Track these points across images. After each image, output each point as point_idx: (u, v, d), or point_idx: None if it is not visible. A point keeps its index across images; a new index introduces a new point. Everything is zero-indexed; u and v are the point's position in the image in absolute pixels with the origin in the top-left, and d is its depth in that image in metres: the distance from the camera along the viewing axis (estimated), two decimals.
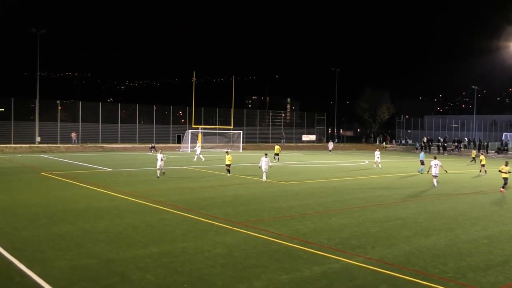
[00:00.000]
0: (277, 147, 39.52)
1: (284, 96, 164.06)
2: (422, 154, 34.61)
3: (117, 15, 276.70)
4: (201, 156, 38.23)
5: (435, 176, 24.16)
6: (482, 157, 32.75)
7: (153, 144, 48.35)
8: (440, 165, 24.24)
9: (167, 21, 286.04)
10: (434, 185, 23.94)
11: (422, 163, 32.65)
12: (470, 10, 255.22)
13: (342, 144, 73.21)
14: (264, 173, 24.63)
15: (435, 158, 24.92)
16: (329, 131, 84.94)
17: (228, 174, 26.92)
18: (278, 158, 37.90)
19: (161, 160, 25.28)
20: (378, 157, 34.93)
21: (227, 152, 29.65)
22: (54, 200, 17.68)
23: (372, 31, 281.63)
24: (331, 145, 55.48)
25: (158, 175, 25.04)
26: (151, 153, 44.89)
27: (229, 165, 27.17)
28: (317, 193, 21.04)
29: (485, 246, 12.35)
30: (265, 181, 24.27)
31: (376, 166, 34.51)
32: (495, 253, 11.73)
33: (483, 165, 31.68)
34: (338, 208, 17.25)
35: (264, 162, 24.61)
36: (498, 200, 20.56)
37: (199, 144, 40.97)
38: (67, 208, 16.11)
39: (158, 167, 25.23)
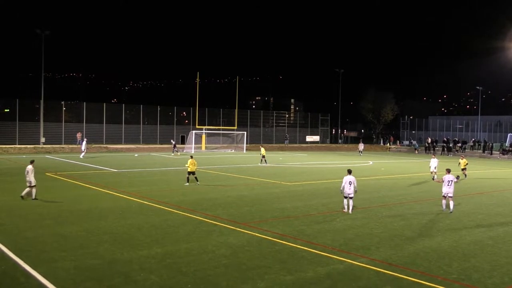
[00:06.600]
0: (263, 149, 36.99)
1: (288, 97, 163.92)
2: None
3: (121, 16, 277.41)
4: (83, 154, 39.02)
5: (450, 197, 17.18)
6: (462, 160, 29.64)
7: (174, 143, 47.97)
8: (456, 182, 17.60)
9: (171, 22, 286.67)
10: (443, 208, 17.39)
11: None
12: (474, 10, 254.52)
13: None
14: (345, 200, 16.62)
15: (448, 171, 17.65)
16: (333, 132, 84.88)
17: (186, 184, 22.60)
18: (266, 160, 36.09)
19: (29, 173, 17.65)
20: (435, 166, 27.85)
21: (191, 156, 24.23)
22: (59, 201, 17.73)
23: (376, 31, 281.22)
24: (361, 146, 55.01)
25: (22, 194, 17.81)
26: (173, 155, 44.85)
27: (192, 173, 22.77)
28: (321, 194, 21.02)
29: (490, 247, 12.31)
30: (349, 211, 16.46)
31: (433, 177, 26.87)
32: (499, 254, 11.69)
33: (464, 169, 28.98)
34: (342, 208, 17.20)
35: (347, 184, 16.43)
36: (503, 201, 20.47)
37: (85, 140, 41.16)
38: (72, 209, 16.16)
39: (28, 183, 17.81)
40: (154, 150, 51.55)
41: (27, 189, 17.80)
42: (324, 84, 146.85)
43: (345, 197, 16.56)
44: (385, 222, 15.10)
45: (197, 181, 22.88)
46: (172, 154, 45.15)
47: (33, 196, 17.75)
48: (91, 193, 20.05)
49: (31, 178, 17.66)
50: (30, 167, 17.76)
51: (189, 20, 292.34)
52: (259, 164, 35.69)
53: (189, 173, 22.85)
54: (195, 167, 23.10)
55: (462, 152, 56.44)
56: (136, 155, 42.46)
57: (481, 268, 10.44)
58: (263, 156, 36.16)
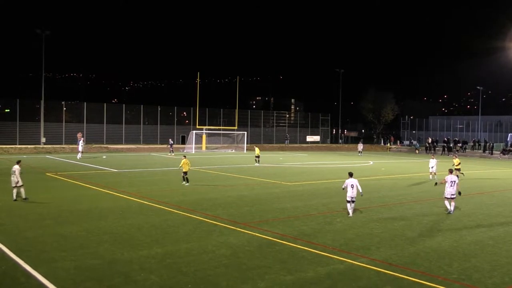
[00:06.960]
0: (257, 149, 37.20)
1: (288, 97, 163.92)
2: None
3: (121, 16, 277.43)
4: (79, 155, 38.60)
5: (450, 198, 16.85)
6: (455, 160, 28.99)
7: (172, 142, 47.76)
8: (457, 183, 17.11)
9: (171, 22, 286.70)
10: (447, 209, 16.99)
11: None
12: (474, 10, 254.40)
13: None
14: (348, 204, 16.01)
15: (451, 172, 17.63)
16: (334, 132, 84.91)
17: (186, 184, 22.54)
18: (258, 161, 36.08)
19: (16, 174, 17.31)
20: (432, 167, 27.65)
21: (184, 155, 24.36)
22: (59, 201, 17.73)
23: (376, 31, 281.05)
24: (360, 146, 54.56)
25: (15, 197, 17.40)
26: (173, 155, 44.71)
27: (185, 173, 22.73)
28: (322, 194, 21.01)
29: (490, 247, 12.30)
30: (351, 216, 15.83)
31: (432, 178, 27.16)
32: (500, 254, 11.68)
33: (458, 169, 27.69)
34: (342, 209, 17.18)
35: (350, 187, 15.99)
36: (503, 201, 20.46)
37: (81, 140, 41.07)
38: (72, 209, 16.16)
39: (13, 184, 17.43)
40: (154, 150, 51.57)
41: (15, 190, 17.41)
42: (324, 84, 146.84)
43: (348, 202, 15.95)
44: (385, 222, 15.09)
45: (187, 181, 22.65)
46: (172, 154, 45.17)
47: (23, 196, 17.36)
48: (91, 193, 20.05)
49: (18, 178, 17.29)
50: (17, 167, 17.39)
51: (189, 20, 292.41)
52: (255, 164, 35.66)
53: (184, 172, 22.83)
54: (188, 167, 23.06)
55: (463, 152, 56.50)
56: (104, 156, 41.55)
57: (481, 268, 10.43)
58: (257, 156, 36.21)
